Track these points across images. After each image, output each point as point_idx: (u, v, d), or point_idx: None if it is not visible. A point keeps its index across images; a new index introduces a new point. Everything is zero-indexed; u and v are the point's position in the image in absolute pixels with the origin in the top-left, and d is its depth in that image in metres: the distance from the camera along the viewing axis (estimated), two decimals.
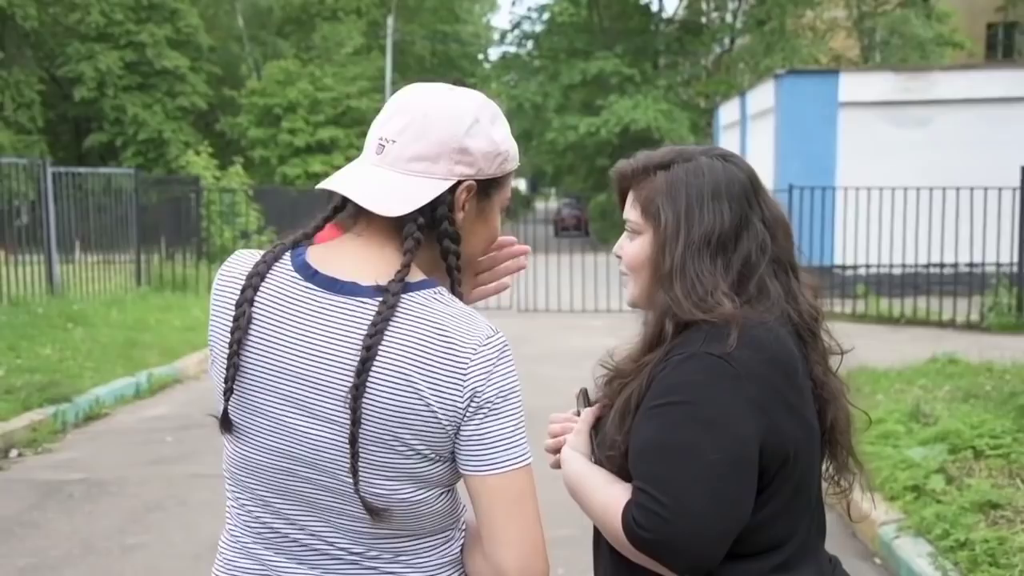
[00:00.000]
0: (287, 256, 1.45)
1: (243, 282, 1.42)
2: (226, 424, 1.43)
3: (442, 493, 1.44)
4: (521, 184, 66.68)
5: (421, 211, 1.40)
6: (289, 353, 1.38)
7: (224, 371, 1.41)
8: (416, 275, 1.43)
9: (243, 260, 1.48)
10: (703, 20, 36.53)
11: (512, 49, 38.44)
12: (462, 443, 1.38)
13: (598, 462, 1.64)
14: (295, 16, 38.43)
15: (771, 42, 30.24)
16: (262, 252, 1.47)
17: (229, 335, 1.40)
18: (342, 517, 1.41)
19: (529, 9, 43.69)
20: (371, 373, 1.33)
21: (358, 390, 1.32)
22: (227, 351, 1.40)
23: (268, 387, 1.39)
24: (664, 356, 1.54)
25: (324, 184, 1.43)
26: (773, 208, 1.66)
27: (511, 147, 1.50)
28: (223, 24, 39.80)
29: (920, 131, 16.24)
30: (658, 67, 34.58)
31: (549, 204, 61.41)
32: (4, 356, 8.95)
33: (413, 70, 40.11)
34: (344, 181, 1.43)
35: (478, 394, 1.36)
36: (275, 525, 1.44)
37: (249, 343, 1.40)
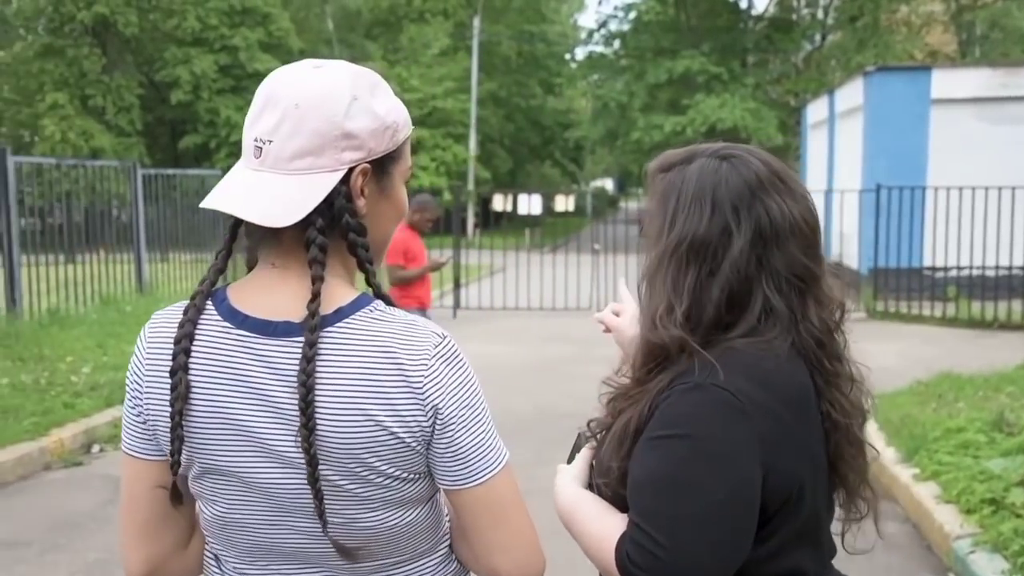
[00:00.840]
0: (210, 305, 1.36)
1: (172, 348, 1.33)
2: (176, 497, 1.37)
3: (426, 507, 1.41)
4: (608, 184, 66.37)
5: (318, 211, 1.30)
6: (239, 410, 1.31)
7: (169, 444, 1.33)
8: (344, 293, 1.35)
9: (169, 320, 1.38)
10: (793, 16, 35.86)
11: (598, 48, 38.32)
12: (435, 459, 1.33)
13: (593, 488, 1.57)
14: (383, 18, 38.97)
15: (863, 38, 29.53)
16: (183, 307, 1.36)
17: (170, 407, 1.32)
18: (334, 559, 1.36)
19: (615, 8, 43.48)
20: (323, 410, 1.27)
21: (308, 431, 1.26)
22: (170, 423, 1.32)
23: (226, 448, 1.33)
24: (668, 383, 1.45)
25: (206, 203, 1.33)
26: (786, 211, 1.47)
27: (399, 114, 1.38)
28: (313, 27, 40.50)
29: (1018, 128, 15.66)
30: (746, 65, 34.05)
31: (635, 204, 60.94)
32: (92, 353, 9.24)
33: (499, 70, 40.26)
34: (226, 196, 1.32)
35: (440, 409, 1.31)
36: None
37: (194, 410, 1.32)
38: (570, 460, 1.66)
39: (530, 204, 17.63)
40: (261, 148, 1.31)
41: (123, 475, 1.43)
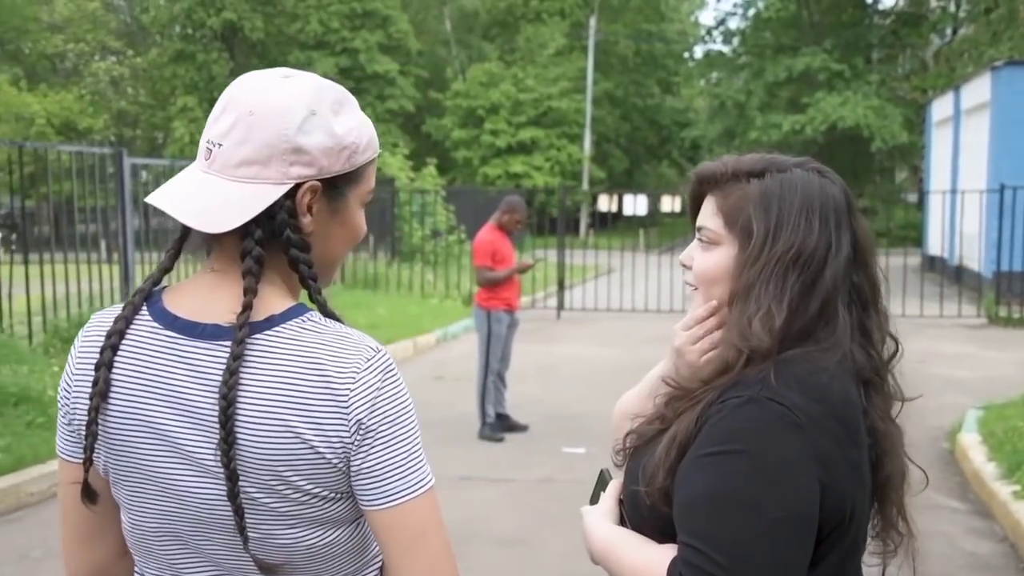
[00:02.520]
0: (145, 306, 1.34)
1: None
2: (89, 494, 1.33)
3: (349, 529, 1.34)
4: None
5: (258, 222, 1.26)
6: (158, 413, 1.28)
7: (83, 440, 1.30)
8: (278, 303, 1.31)
9: (105, 320, 1.36)
10: (923, 10, 34.57)
11: (716, 46, 37.73)
12: (353, 476, 1.27)
13: (628, 500, 1.50)
14: (500, 19, 39.24)
15: (998, 31, 28.22)
16: (123, 306, 1.35)
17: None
18: (254, 574, 1.31)
19: (735, 5, 42.69)
20: (243, 420, 1.23)
21: (227, 443, 1.22)
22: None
23: (142, 451, 1.29)
24: (719, 397, 1.39)
25: (150, 199, 1.31)
26: (865, 230, 1.49)
27: (361, 136, 1.33)
28: (431, 29, 41.08)
29: None
30: (871, 62, 33.02)
31: None
32: None
33: (616, 69, 40.07)
34: (169, 195, 1.30)
35: (363, 424, 1.25)
36: None
37: (112, 408, 1.30)
38: (593, 499, 1.59)
39: (635, 204, 17.44)
40: (211, 151, 1.29)
41: (59, 479, 1.44)
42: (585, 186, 34.14)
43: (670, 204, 17.61)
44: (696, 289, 1.53)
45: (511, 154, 34.52)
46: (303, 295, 1.39)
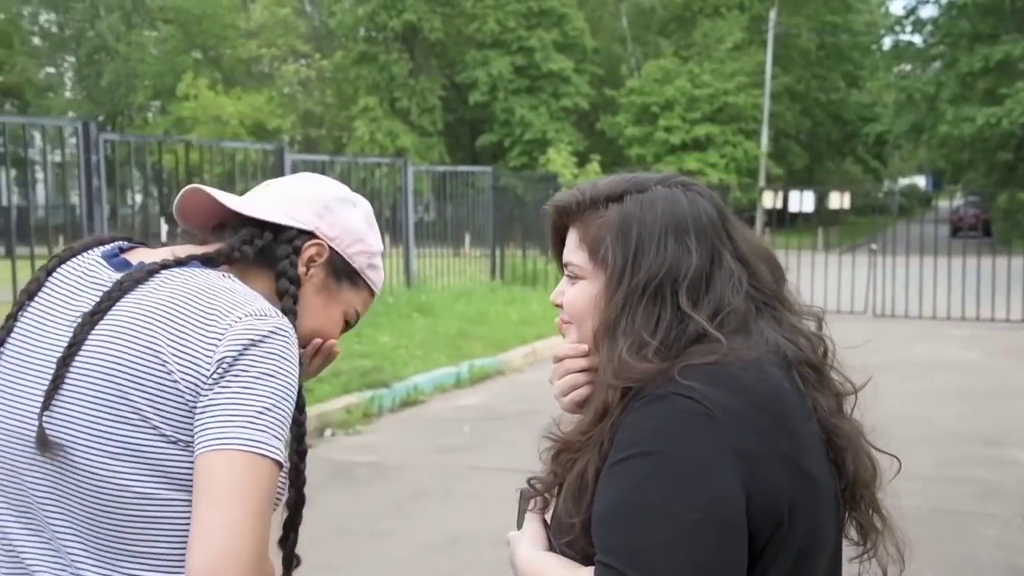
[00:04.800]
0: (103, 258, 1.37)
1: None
2: None
3: (185, 496, 1.21)
4: (920, 181, 62.28)
5: (263, 236, 1.36)
6: (49, 327, 1.28)
7: None
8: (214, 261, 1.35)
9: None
10: None
11: (906, 37, 35.89)
12: (196, 416, 1.19)
13: (556, 551, 1.37)
14: (678, 14, 38.75)
15: None
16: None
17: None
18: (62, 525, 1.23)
19: None
20: (109, 333, 1.22)
21: (73, 345, 1.22)
22: None
23: (19, 366, 1.29)
24: (622, 410, 1.27)
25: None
26: (751, 240, 1.41)
27: (377, 256, 1.47)
28: (607, 26, 40.91)
29: None
30: None
31: (947, 203, 56.71)
32: (347, 341, 9.56)
33: (797, 63, 38.83)
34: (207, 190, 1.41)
35: (225, 362, 1.19)
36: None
37: (24, 318, 1.32)
38: (520, 522, 1.46)
39: (801, 202, 16.72)
40: (258, 188, 1.47)
41: None
42: (761, 183, 33.17)
43: (839, 200, 16.76)
44: (569, 325, 1.43)
45: (685, 151, 33.97)
46: None
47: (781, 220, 28.19)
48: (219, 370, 1.19)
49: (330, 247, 1.40)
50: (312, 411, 7.33)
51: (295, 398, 1.25)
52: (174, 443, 1.20)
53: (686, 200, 1.36)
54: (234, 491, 1.15)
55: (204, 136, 28.71)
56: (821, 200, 22.73)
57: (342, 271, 1.43)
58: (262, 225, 1.38)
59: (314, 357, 1.47)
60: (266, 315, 1.25)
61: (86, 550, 1.23)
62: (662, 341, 1.28)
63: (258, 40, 38.61)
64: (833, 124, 41.50)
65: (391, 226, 13.70)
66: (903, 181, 57.45)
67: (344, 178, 13.96)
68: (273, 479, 1.19)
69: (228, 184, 11.08)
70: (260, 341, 1.22)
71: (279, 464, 1.20)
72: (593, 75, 37.66)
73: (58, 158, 12.81)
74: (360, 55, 36.73)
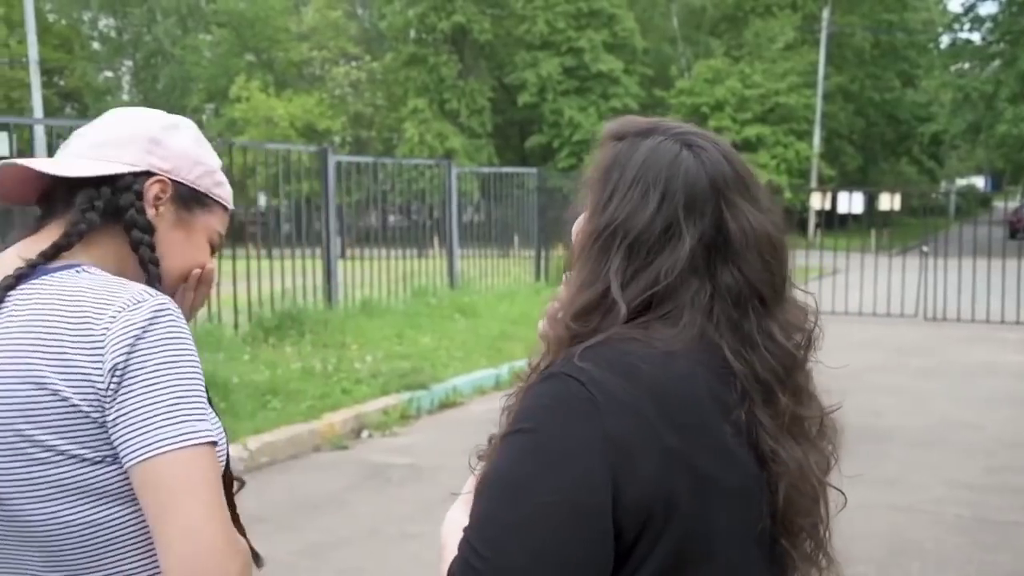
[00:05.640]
0: None
1: None
2: None
3: (130, 508, 1.18)
4: (979, 182, 61.09)
5: (100, 194, 1.27)
6: None
7: None
8: (75, 260, 1.26)
9: None
10: None
11: (963, 35, 35.18)
12: (111, 430, 1.14)
13: None
14: (729, 14, 38.40)
15: None
16: None
17: None
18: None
19: None
20: None
21: None
22: None
23: None
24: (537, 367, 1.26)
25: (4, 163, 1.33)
26: (748, 223, 1.26)
27: (218, 171, 1.40)
28: (657, 26, 40.66)
29: None
30: None
31: (1009, 204, 55.50)
32: (388, 342, 9.78)
33: (851, 63, 38.27)
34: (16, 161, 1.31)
35: (119, 368, 1.13)
36: None
37: None
38: None
39: (851, 203, 16.44)
40: (70, 142, 1.34)
41: None
42: (813, 184, 32.72)
43: (889, 202, 16.45)
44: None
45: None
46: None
47: (830, 221, 27.80)
48: (114, 379, 1.13)
49: (171, 180, 1.33)
50: (349, 412, 7.40)
51: (199, 369, 1.20)
52: (99, 463, 1.15)
53: (676, 157, 1.26)
54: (181, 493, 1.12)
55: (255, 138, 29.06)
56: (872, 201, 22.30)
57: (191, 199, 1.36)
58: (96, 182, 1.29)
59: (197, 289, 1.42)
60: (137, 302, 1.17)
61: None
62: (592, 302, 1.23)
63: (309, 43, 39.00)
64: (888, 124, 40.82)
65: (439, 227, 13.74)
66: (961, 182, 56.38)
67: (390, 180, 14.04)
68: (213, 460, 1.16)
69: (277, 185, 11.20)
70: (143, 333, 1.15)
71: (213, 443, 1.17)
72: (643, 76, 37.44)
73: None
74: (410, 57, 36.88)
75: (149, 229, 1.30)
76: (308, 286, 10.56)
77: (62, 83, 40.41)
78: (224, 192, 1.41)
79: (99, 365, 1.13)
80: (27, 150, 9.84)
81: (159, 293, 1.21)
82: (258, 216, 12.01)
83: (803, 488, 1.25)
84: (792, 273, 1.33)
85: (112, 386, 1.13)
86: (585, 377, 1.15)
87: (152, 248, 1.30)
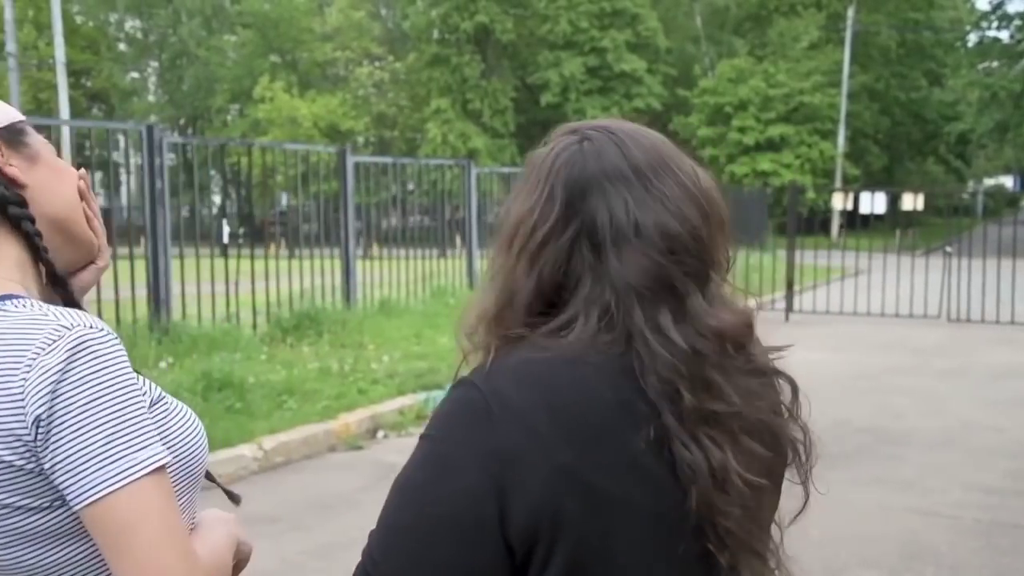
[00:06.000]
0: None
1: None
2: None
3: (83, 543, 1.16)
4: (1007, 181, 60.45)
5: None
6: None
7: None
8: None
9: None
10: None
11: (991, 32, 34.82)
12: (51, 477, 1.09)
13: None
14: (753, 13, 38.22)
15: None
16: None
17: None
18: None
19: None
20: None
21: None
22: None
23: None
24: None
25: None
26: (630, 213, 1.21)
27: (17, 111, 1.28)
28: (681, 26, 40.52)
29: None
30: None
31: None
32: (406, 342, 9.79)
33: (876, 62, 37.95)
34: None
35: (43, 419, 1.07)
36: None
37: None
38: None
39: (872, 203, 16.31)
40: None
41: None
42: (837, 184, 32.50)
43: (912, 202, 16.28)
44: None
45: (759, 152, 33.47)
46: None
47: (853, 222, 27.59)
48: (40, 431, 1.08)
49: None
50: (365, 412, 7.40)
51: (134, 390, 1.13)
52: (47, 508, 1.12)
53: (564, 152, 1.25)
54: (131, 529, 1.08)
55: (279, 139, 29.22)
56: (895, 201, 22.13)
57: (12, 136, 1.26)
58: None
59: (84, 200, 1.34)
60: (52, 343, 1.09)
61: None
62: (499, 306, 1.23)
63: (333, 43, 39.17)
64: (914, 123, 40.47)
65: (460, 227, 13.75)
66: (988, 181, 55.82)
67: (411, 180, 14.04)
68: (160, 485, 1.11)
69: (301, 184, 11.24)
70: (62, 376, 1.08)
71: (162, 466, 1.12)
72: (666, 75, 37.33)
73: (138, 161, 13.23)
74: (433, 57, 36.95)
75: (17, 200, 1.22)
76: (327, 286, 10.60)
77: (89, 84, 40.81)
78: (12, 112, 1.30)
79: (21, 419, 1.08)
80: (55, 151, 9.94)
81: (77, 323, 1.12)
82: (278, 216, 12.05)
83: (726, 490, 1.18)
84: (732, 267, 1.28)
85: (40, 438, 1.08)
86: (487, 387, 1.15)
87: (32, 221, 1.22)
